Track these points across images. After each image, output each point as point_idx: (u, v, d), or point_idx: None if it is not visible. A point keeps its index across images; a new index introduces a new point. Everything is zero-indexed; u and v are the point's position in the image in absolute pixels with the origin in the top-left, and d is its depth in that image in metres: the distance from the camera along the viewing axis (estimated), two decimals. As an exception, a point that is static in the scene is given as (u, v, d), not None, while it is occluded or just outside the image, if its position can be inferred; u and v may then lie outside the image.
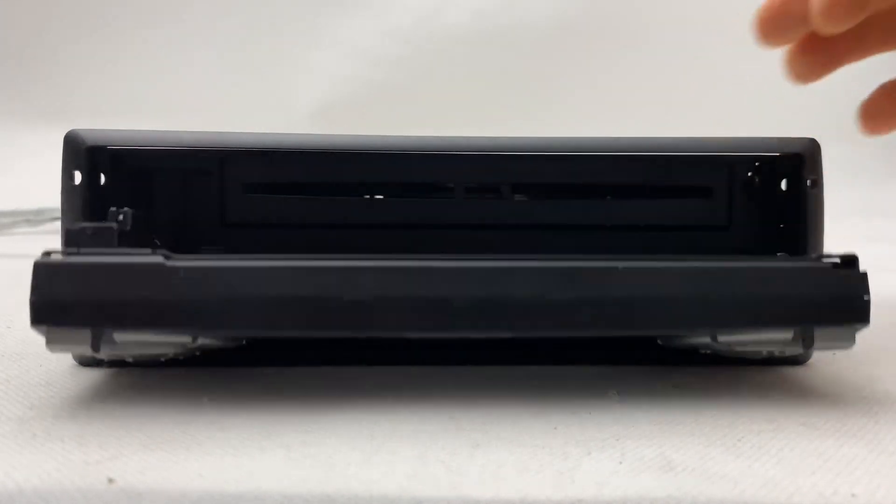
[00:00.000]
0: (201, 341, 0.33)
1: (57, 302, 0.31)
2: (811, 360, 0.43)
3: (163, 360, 0.36)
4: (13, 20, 1.56)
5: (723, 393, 0.38)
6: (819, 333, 0.34)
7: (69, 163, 0.38)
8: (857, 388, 0.39)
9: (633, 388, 0.38)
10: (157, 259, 0.32)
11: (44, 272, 0.31)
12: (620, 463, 0.30)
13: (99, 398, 0.36)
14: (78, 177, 0.38)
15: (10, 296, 0.60)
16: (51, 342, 0.31)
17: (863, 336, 0.35)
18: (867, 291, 0.34)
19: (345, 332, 0.33)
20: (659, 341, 0.39)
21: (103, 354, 0.33)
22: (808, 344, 0.34)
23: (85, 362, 0.40)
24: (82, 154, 0.38)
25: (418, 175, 0.45)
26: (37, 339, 0.32)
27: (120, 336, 0.32)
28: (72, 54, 1.56)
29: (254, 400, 0.36)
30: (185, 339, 0.32)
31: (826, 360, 0.44)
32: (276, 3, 1.59)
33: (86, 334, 0.31)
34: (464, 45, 1.58)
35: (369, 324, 0.32)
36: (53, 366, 0.40)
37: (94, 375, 0.39)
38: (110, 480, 0.27)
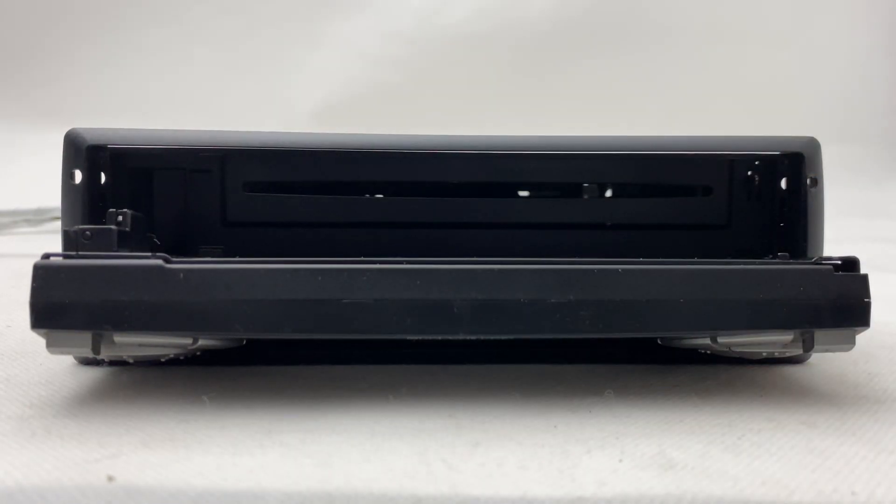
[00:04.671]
0: (202, 342, 0.33)
1: (57, 305, 0.31)
2: (811, 359, 0.43)
3: (163, 360, 0.36)
4: (14, 20, 1.56)
5: (722, 391, 0.38)
6: (819, 336, 0.34)
7: (70, 162, 0.38)
8: (856, 385, 0.39)
9: (633, 387, 0.38)
10: (157, 262, 0.32)
11: (43, 275, 0.31)
12: (620, 461, 0.30)
13: (99, 396, 0.36)
14: (78, 176, 0.38)
15: (10, 295, 0.61)
16: (51, 344, 0.31)
17: (863, 333, 0.35)
18: (868, 294, 0.34)
19: (344, 334, 0.33)
20: (659, 341, 0.39)
21: (104, 356, 0.33)
22: (809, 346, 0.34)
23: (85, 361, 0.40)
24: (83, 153, 0.38)
25: (419, 174, 0.45)
26: (37, 337, 0.32)
27: (120, 338, 0.32)
28: (72, 54, 1.56)
29: (253, 398, 0.36)
30: (185, 340, 0.32)
31: (826, 358, 0.44)
32: (277, 3, 1.60)
33: (86, 337, 0.31)
34: (464, 45, 1.58)
35: (368, 326, 0.32)
36: (53, 364, 0.40)
37: (93, 374, 0.39)
38: (110, 478, 0.27)
